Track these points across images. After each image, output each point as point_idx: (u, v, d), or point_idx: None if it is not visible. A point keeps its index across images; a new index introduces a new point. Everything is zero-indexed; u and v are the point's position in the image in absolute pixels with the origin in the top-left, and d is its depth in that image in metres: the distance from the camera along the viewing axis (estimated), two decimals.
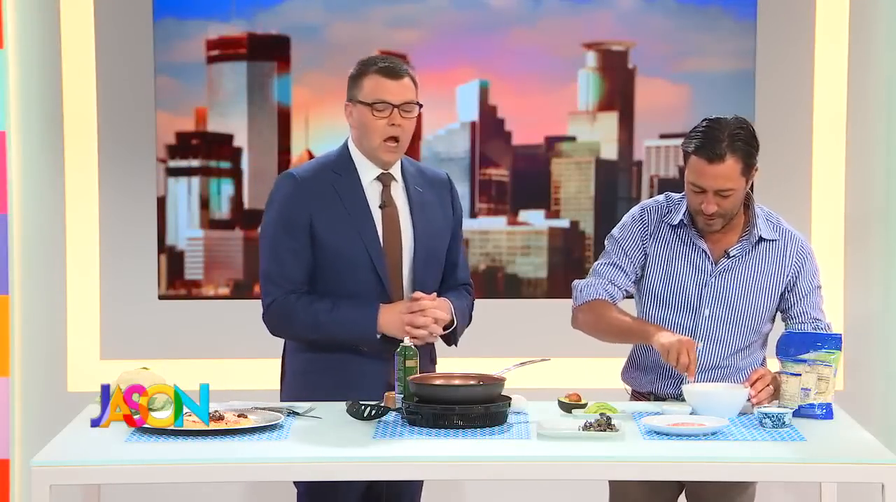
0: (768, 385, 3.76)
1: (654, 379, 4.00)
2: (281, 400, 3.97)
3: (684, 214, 3.96)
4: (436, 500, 4.64)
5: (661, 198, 4.06)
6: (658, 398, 3.99)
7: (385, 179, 3.96)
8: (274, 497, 5.32)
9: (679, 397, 3.88)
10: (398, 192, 3.98)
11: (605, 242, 4.07)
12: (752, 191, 3.97)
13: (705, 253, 3.94)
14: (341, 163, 3.98)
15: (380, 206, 3.95)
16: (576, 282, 4.06)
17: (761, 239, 3.95)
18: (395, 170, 3.98)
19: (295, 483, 3.94)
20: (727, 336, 3.95)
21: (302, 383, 3.97)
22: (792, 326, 3.94)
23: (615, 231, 4.06)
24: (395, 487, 3.97)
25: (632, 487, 3.97)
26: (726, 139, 3.78)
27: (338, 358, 3.92)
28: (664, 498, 4.00)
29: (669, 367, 3.90)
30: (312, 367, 3.96)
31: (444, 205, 4.06)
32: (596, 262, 4.07)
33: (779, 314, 4.02)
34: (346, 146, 4.01)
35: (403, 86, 3.90)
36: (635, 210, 4.06)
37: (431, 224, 3.99)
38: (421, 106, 3.95)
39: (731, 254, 3.94)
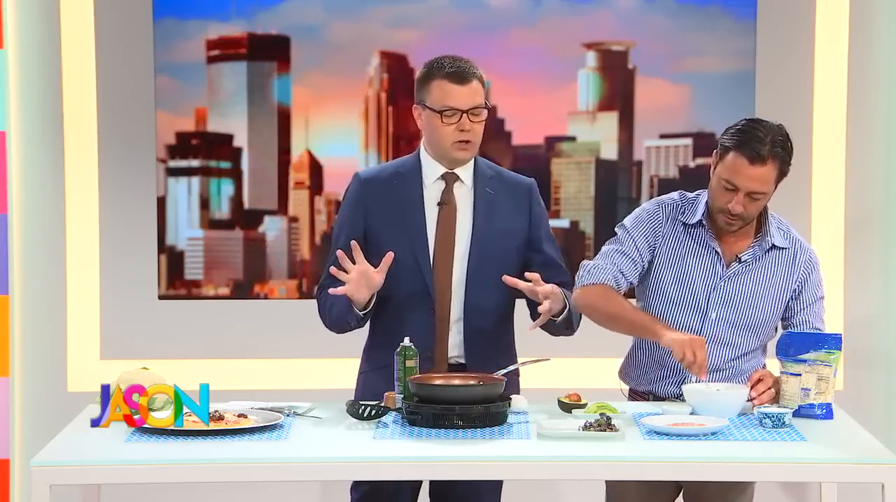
0: (769, 387, 3.76)
1: (655, 377, 3.99)
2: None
3: (703, 214, 3.94)
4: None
5: (675, 195, 4.03)
6: (657, 397, 3.98)
7: (449, 178, 3.95)
8: (274, 497, 5.33)
9: (679, 397, 3.88)
10: (463, 192, 3.96)
11: (616, 229, 4.03)
12: None
13: (718, 255, 3.93)
14: (409, 163, 4.00)
15: (438, 204, 3.94)
16: (585, 261, 4.03)
17: (773, 246, 3.94)
18: (465, 171, 3.96)
19: (351, 491, 3.96)
20: (732, 340, 3.94)
21: (362, 381, 4.04)
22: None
23: (627, 221, 4.02)
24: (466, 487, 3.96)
25: (629, 488, 3.97)
26: (769, 143, 3.76)
27: (388, 355, 3.87)
28: (662, 499, 4.00)
29: (672, 366, 3.90)
30: (368, 367, 4.03)
31: (520, 210, 4.01)
32: (605, 246, 4.02)
33: (781, 321, 4.02)
34: (418, 149, 4.01)
35: (472, 90, 3.87)
36: (650, 205, 4.03)
37: (496, 225, 3.95)
38: (489, 108, 3.93)
39: (743, 258, 3.93)
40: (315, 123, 5.53)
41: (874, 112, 5.53)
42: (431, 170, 3.95)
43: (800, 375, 3.72)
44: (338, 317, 3.89)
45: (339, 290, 3.79)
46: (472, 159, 3.97)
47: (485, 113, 3.90)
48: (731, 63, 5.53)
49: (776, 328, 4.01)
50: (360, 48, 5.44)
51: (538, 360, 3.95)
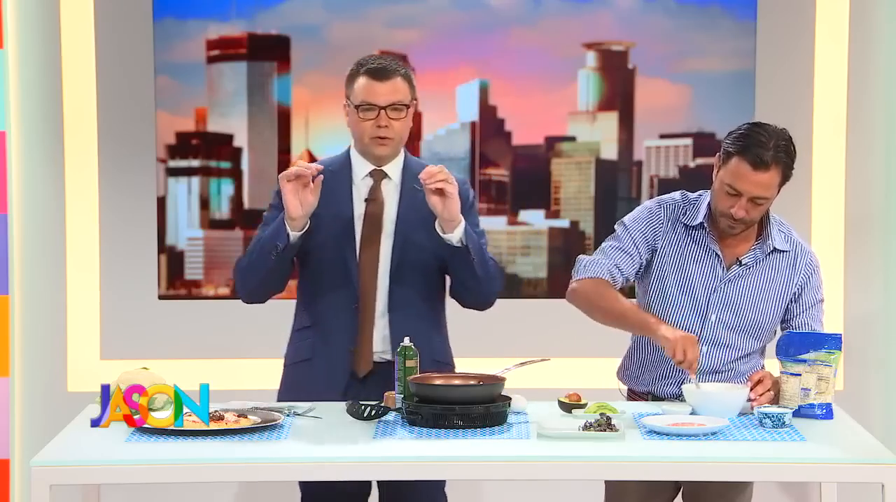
0: (769, 389, 3.76)
1: (653, 378, 3.99)
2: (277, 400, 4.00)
3: (705, 216, 3.94)
4: None
5: (676, 195, 4.03)
6: (656, 398, 3.98)
7: (377, 175, 3.98)
8: (274, 497, 5.33)
9: (678, 397, 3.88)
10: (390, 189, 3.99)
11: (616, 227, 4.03)
12: None
13: (718, 258, 3.93)
14: (339, 160, 4.03)
15: (365, 200, 3.97)
16: (581, 256, 4.04)
17: (774, 249, 3.94)
18: (393, 168, 3.99)
19: (300, 485, 3.96)
20: (731, 342, 3.94)
21: (285, 374, 4.05)
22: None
23: (627, 219, 4.02)
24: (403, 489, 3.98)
25: (629, 488, 3.97)
26: (772, 148, 3.75)
27: (309, 348, 3.98)
28: (661, 499, 4.00)
29: (671, 366, 3.89)
30: (290, 360, 4.05)
31: None
32: (604, 243, 4.03)
33: (780, 324, 4.02)
34: (348, 148, 4.05)
35: (392, 87, 3.91)
36: (652, 204, 4.02)
37: (422, 222, 3.95)
38: (410, 105, 3.94)
39: (744, 261, 3.93)
40: (315, 123, 5.53)
41: (874, 112, 5.53)
42: (360, 167, 3.99)
43: (800, 375, 3.72)
44: (263, 247, 3.87)
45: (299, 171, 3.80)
46: (403, 157, 4.01)
47: (406, 110, 3.93)
48: (731, 63, 5.53)
49: (776, 331, 4.01)
50: (360, 48, 5.42)
51: (538, 360, 3.95)
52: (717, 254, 3.93)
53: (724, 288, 3.93)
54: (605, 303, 3.91)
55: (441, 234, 3.85)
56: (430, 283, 4.00)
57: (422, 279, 3.97)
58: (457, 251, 3.86)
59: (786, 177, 3.81)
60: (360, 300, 3.94)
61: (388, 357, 3.93)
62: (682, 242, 3.97)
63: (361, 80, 3.91)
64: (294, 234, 3.84)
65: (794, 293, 3.94)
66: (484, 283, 3.94)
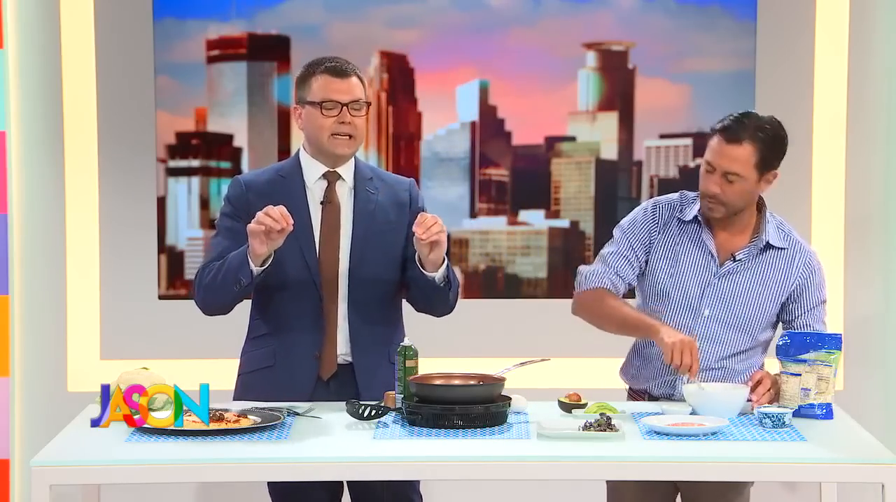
0: (769, 389, 3.76)
1: (647, 376, 4.00)
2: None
3: (699, 210, 3.96)
4: (436, 500, 4.65)
5: (675, 195, 4.05)
6: (652, 397, 3.98)
7: (331, 177, 3.98)
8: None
9: (671, 397, 3.88)
10: (344, 191, 3.99)
11: (614, 231, 4.06)
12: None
13: (711, 253, 3.94)
14: (289, 166, 4.04)
15: (321, 202, 3.97)
16: (581, 267, 4.05)
17: (769, 245, 3.94)
18: (346, 170, 3.99)
19: (269, 486, 3.96)
20: (724, 338, 3.94)
21: (241, 383, 4.03)
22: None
23: (624, 222, 4.05)
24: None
25: (627, 489, 3.97)
26: (751, 128, 3.82)
27: (270, 356, 3.96)
28: (659, 499, 3.99)
29: (662, 366, 3.90)
30: (248, 369, 4.02)
31: (400, 205, 4.04)
32: (603, 249, 4.05)
33: (781, 324, 4.01)
34: (297, 152, 4.05)
35: (351, 84, 3.93)
36: (648, 204, 4.05)
37: (377, 221, 3.97)
38: (370, 104, 3.97)
39: (738, 257, 3.94)
40: None
41: (874, 112, 5.53)
42: (312, 170, 3.98)
43: (800, 375, 3.72)
44: (226, 276, 3.85)
45: (266, 221, 3.71)
46: (353, 160, 4.01)
47: (366, 108, 3.95)
48: (731, 63, 5.53)
49: (773, 328, 4.01)
50: (360, 48, 5.44)
51: (538, 360, 3.95)
52: (709, 249, 3.94)
53: (718, 283, 3.94)
54: (608, 312, 3.95)
55: (422, 272, 3.86)
56: (388, 283, 4.00)
57: (380, 279, 3.98)
58: (435, 285, 3.89)
59: (765, 159, 3.83)
60: (322, 303, 3.93)
61: (350, 359, 3.94)
62: (676, 239, 3.98)
63: (321, 79, 3.92)
64: (258, 270, 3.82)
65: (793, 292, 3.94)
66: (451, 303, 4.00)
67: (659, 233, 3.99)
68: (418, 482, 4.03)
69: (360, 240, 3.95)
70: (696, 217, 3.96)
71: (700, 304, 3.94)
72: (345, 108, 3.91)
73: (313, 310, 3.93)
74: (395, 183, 4.09)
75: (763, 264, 3.95)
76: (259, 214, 3.74)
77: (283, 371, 3.94)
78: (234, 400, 4.02)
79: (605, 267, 4.00)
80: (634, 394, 4.06)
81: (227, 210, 4.01)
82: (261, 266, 3.81)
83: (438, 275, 3.87)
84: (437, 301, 3.96)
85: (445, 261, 3.88)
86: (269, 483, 3.96)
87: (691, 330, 3.91)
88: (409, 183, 4.11)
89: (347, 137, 3.93)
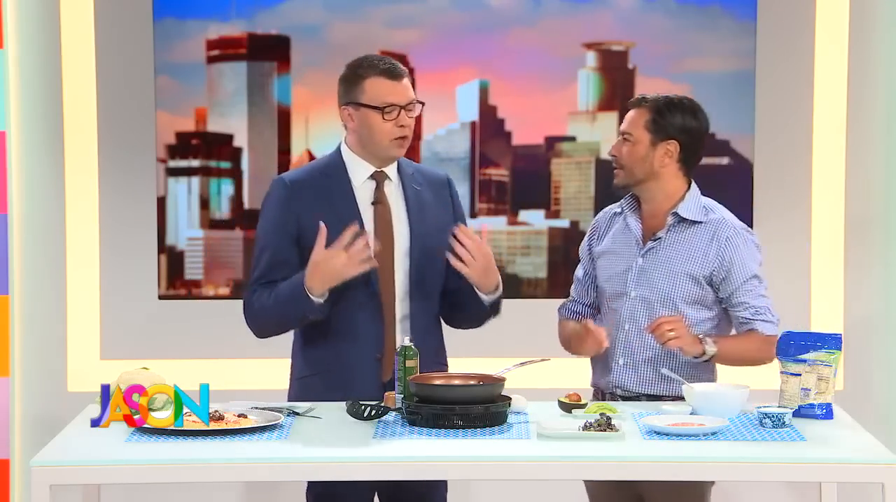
0: (671, 330, 3.77)
1: (596, 372, 4.08)
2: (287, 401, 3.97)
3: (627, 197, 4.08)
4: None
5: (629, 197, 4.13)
6: (602, 394, 4.02)
7: (378, 177, 3.95)
8: (274, 497, 5.33)
9: (613, 395, 3.93)
10: (392, 190, 3.96)
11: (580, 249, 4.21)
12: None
13: (636, 237, 4.01)
14: (332, 166, 3.97)
15: (372, 203, 3.93)
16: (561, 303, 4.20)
17: (682, 219, 3.96)
18: (391, 170, 3.97)
19: (307, 494, 3.95)
20: (650, 317, 3.94)
21: (299, 387, 3.98)
22: (733, 314, 3.96)
23: (584, 239, 4.20)
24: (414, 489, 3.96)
25: (598, 489, 4.00)
26: (653, 98, 3.96)
27: (333, 358, 3.91)
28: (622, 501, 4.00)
29: (596, 360, 4.04)
30: (308, 372, 3.96)
31: (444, 205, 4.03)
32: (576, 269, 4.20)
33: (722, 305, 4.01)
34: (338, 150, 4.00)
35: (406, 86, 3.91)
36: (599, 214, 4.19)
37: (429, 222, 3.95)
38: (423, 104, 3.95)
39: (657, 235, 3.98)
40: (315, 123, 5.53)
41: (874, 112, 5.53)
42: (359, 170, 3.94)
43: (800, 375, 3.72)
44: (285, 313, 3.82)
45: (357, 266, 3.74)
46: None
47: (419, 108, 3.94)
48: (731, 63, 5.53)
49: (708, 307, 3.97)
50: (360, 48, 5.40)
51: (538, 360, 3.95)
52: (633, 231, 4.01)
53: (641, 263, 3.99)
54: (563, 339, 4.11)
55: (475, 290, 3.89)
56: (438, 285, 3.98)
57: (434, 279, 3.96)
58: (481, 304, 3.91)
59: (657, 125, 3.93)
60: (382, 304, 3.90)
61: None
62: (609, 237, 4.09)
63: (376, 81, 3.88)
64: (320, 302, 3.78)
65: (719, 269, 3.93)
66: (482, 323, 4.03)
67: (598, 240, 4.11)
68: (446, 488, 4.00)
69: (417, 242, 3.92)
70: (622, 206, 4.05)
71: (626, 286, 3.99)
72: (402, 110, 3.88)
73: (372, 311, 3.89)
74: (434, 179, 4.06)
75: (682, 240, 3.98)
76: (338, 253, 3.72)
77: (346, 373, 3.88)
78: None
79: (570, 296, 4.17)
80: (597, 391, 4.10)
81: (272, 213, 3.92)
82: (322, 298, 3.78)
83: (490, 298, 3.90)
84: (472, 318, 4.00)
85: (499, 287, 3.91)
86: (307, 486, 3.92)
87: (622, 314, 3.98)
88: (446, 177, 4.08)
89: (404, 139, 3.91)
